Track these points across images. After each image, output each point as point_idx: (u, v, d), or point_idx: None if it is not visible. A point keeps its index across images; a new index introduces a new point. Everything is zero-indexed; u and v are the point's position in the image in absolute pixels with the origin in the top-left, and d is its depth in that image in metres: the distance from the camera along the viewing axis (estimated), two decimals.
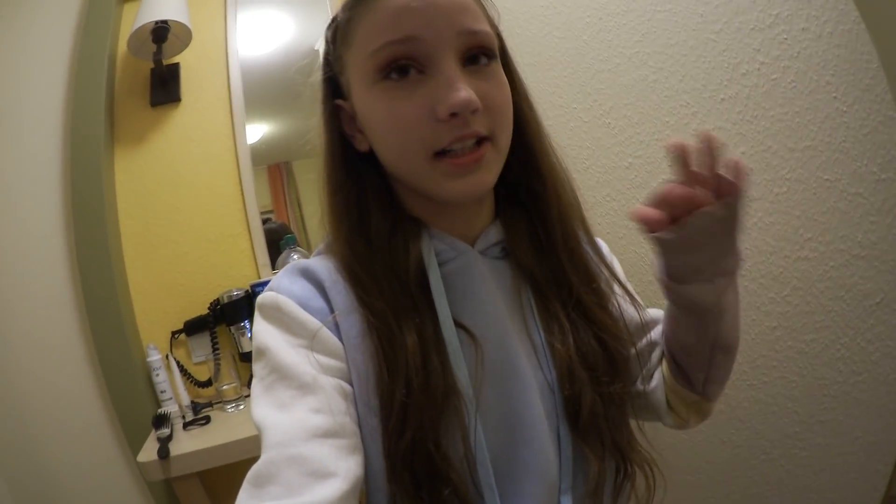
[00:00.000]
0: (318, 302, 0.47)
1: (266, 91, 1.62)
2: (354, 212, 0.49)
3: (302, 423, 0.39)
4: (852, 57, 0.64)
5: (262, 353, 0.45)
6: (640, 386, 0.56)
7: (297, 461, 0.37)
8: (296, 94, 1.68)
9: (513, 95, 0.50)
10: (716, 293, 0.47)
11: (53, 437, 1.34)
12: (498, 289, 0.50)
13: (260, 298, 0.48)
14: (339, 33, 0.49)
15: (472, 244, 0.51)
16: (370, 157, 0.50)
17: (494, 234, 0.52)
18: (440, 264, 0.49)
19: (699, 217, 0.42)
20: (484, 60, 0.46)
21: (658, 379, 0.56)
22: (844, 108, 0.66)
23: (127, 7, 1.54)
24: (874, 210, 0.65)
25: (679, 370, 0.54)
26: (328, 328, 0.46)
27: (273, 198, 1.65)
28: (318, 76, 0.53)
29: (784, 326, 0.77)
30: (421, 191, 0.48)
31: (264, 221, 1.60)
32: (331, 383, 0.43)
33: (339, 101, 0.51)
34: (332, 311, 0.47)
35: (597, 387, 0.48)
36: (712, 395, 0.54)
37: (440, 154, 0.44)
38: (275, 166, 1.66)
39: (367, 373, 0.44)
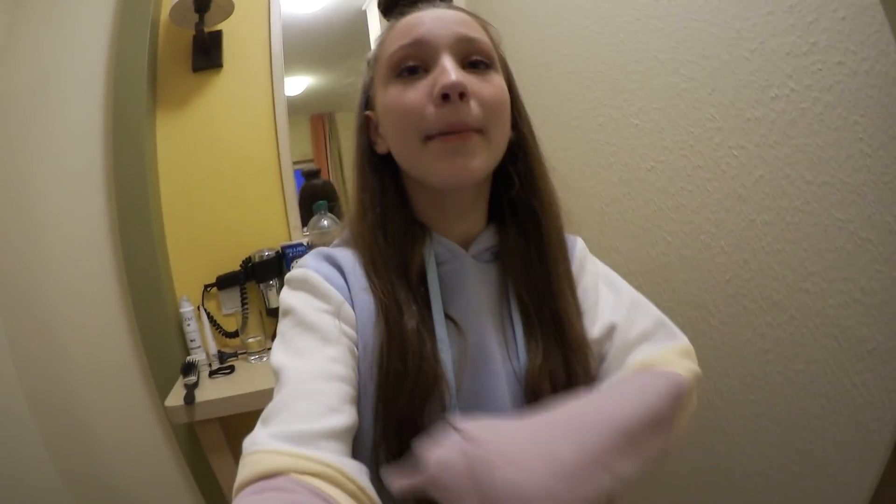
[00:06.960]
0: (340, 281, 0.54)
1: (309, 46, 1.64)
2: (378, 210, 0.56)
3: (320, 366, 0.46)
4: (885, 100, 0.62)
5: (288, 312, 0.52)
6: None
7: (313, 395, 0.43)
8: (340, 51, 1.69)
9: (514, 119, 0.57)
10: None
11: (87, 379, 1.43)
12: (483, 288, 0.57)
13: (289, 275, 0.56)
14: (373, 57, 0.58)
15: (467, 248, 0.57)
16: (390, 159, 0.56)
17: (487, 238, 0.58)
18: (438, 265, 0.56)
19: None
20: (483, 67, 0.53)
21: None
22: (869, 152, 0.64)
23: None
24: (882, 259, 0.64)
25: None
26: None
27: (314, 147, 1.68)
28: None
29: (776, 351, 0.78)
30: (417, 178, 0.54)
31: (310, 175, 1.64)
32: (346, 343, 0.50)
33: (369, 112, 0.59)
34: (349, 290, 0.54)
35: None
36: None
37: (432, 137, 0.50)
38: (317, 116, 1.68)
39: (372, 346, 0.50)
